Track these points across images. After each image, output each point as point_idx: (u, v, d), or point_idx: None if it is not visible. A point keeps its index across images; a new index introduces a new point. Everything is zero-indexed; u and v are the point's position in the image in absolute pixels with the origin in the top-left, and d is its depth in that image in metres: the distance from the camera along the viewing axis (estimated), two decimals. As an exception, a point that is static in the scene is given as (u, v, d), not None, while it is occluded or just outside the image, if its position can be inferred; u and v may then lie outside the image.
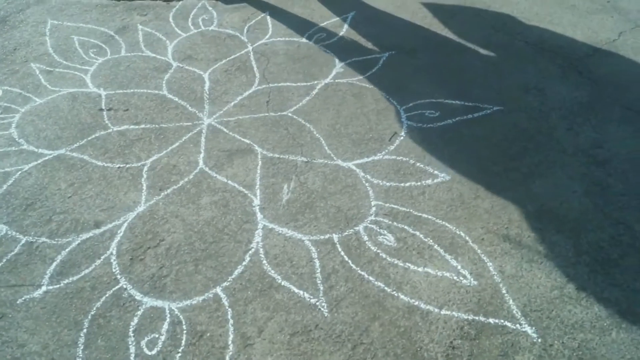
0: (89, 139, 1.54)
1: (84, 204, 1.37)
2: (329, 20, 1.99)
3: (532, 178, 1.42)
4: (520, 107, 1.63)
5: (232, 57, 1.83)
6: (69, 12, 2.04)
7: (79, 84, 1.72)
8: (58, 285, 1.20)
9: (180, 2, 2.09)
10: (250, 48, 1.86)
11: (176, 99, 1.67)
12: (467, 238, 1.28)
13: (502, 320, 1.12)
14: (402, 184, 1.40)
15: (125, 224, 1.32)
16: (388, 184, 1.41)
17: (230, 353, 1.07)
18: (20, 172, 1.45)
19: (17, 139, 1.54)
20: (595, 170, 1.43)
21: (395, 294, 1.17)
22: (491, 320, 1.12)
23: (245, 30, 1.95)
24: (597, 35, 1.90)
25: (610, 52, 1.83)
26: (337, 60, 1.80)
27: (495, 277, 1.20)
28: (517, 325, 1.11)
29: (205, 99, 1.67)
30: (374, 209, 1.35)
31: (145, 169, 1.46)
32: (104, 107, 1.64)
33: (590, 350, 1.06)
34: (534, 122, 1.58)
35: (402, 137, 1.53)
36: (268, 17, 2.01)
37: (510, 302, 1.15)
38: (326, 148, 1.51)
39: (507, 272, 1.21)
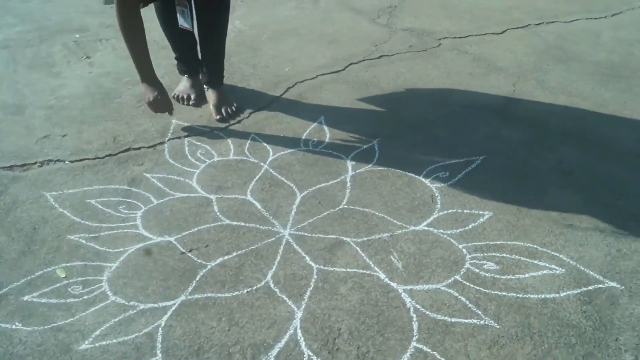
0: (197, 279, 1.89)
1: (247, 331, 1.74)
2: (307, 130, 2.64)
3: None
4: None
5: (256, 177, 2.34)
6: (58, 181, 2.28)
7: (139, 239, 2.04)
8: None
9: (166, 144, 2.51)
10: (265, 165, 2.40)
11: (242, 223, 2.11)
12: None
13: None
14: (465, 228, 2.10)
15: (299, 330, 1.74)
16: (457, 230, 2.09)
17: None
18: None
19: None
20: None
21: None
22: None
23: (247, 152, 2.47)
24: None
25: None
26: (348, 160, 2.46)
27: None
28: None
29: (268, 215, 2.15)
30: (464, 251, 2.01)
31: (271, 284, 1.88)
32: (184, 250, 2.00)
33: None
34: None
35: (438, 197, 2.25)
36: (256, 136, 2.57)
37: None
38: (395, 221, 2.13)
39: None
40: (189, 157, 2.45)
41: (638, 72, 3.16)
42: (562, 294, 1.84)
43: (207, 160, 2.43)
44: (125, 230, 2.08)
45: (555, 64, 3.25)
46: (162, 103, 2.46)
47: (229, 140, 2.55)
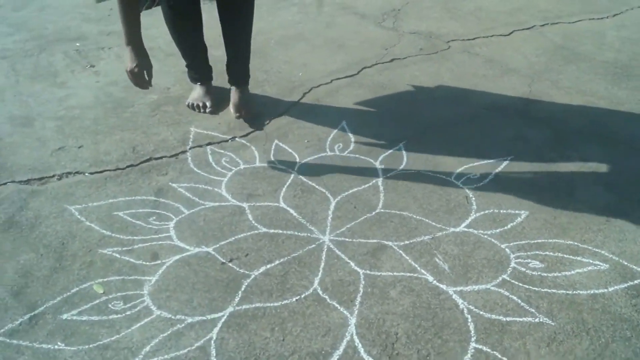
0: (243, 289, 1.88)
1: (302, 340, 1.73)
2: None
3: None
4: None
5: (287, 184, 2.33)
6: (80, 193, 2.24)
7: (175, 250, 2.01)
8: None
9: (188, 153, 2.49)
10: (293, 171, 2.40)
11: (280, 231, 2.10)
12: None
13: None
14: (504, 228, 2.13)
15: (355, 336, 1.74)
16: (496, 230, 2.12)
17: None
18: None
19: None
20: None
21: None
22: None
23: (273, 159, 2.48)
24: None
25: None
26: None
27: None
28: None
29: (304, 222, 2.15)
30: (507, 250, 2.04)
31: (319, 291, 1.88)
32: (224, 260, 1.98)
33: None
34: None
35: (472, 198, 2.27)
36: (280, 143, 2.58)
37: None
38: (434, 224, 2.15)
39: None
40: (214, 165, 2.43)
41: (649, 70, 3.28)
42: (610, 289, 1.88)
43: (234, 168, 2.42)
44: (160, 242, 2.05)
45: (565, 64, 3.32)
46: (140, 76, 2.32)
47: (253, 147, 2.55)
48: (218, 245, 2.04)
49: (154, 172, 2.38)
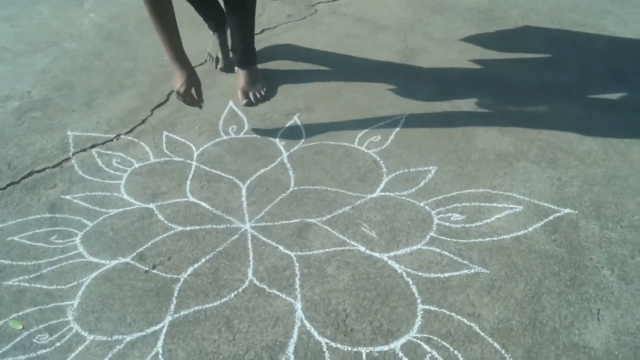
0: (176, 295, 1.89)
1: (253, 335, 1.78)
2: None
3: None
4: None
5: (190, 176, 2.33)
6: (-39, 223, 2.10)
7: (90, 267, 1.95)
8: None
9: (73, 159, 2.38)
10: (193, 162, 2.40)
11: (197, 227, 2.11)
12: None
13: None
14: (419, 186, 2.30)
15: (305, 320, 1.82)
16: (412, 190, 2.28)
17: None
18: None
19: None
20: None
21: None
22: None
23: (168, 152, 2.45)
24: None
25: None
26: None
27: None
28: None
29: (220, 213, 2.17)
30: (427, 208, 2.21)
31: (256, 281, 1.93)
32: (147, 268, 1.96)
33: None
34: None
35: (380, 161, 2.42)
36: (170, 134, 2.54)
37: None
38: (351, 193, 2.27)
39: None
40: (106, 168, 2.36)
41: (509, 12, 3.60)
42: (529, 229, 2.12)
43: (128, 169, 2.37)
44: (70, 262, 1.98)
45: (433, 15, 3.56)
46: (189, 95, 2.42)
47: (142, 143, 2.50)
48: (135, 254, 2.02)
49: (40, 186, 2.27)
